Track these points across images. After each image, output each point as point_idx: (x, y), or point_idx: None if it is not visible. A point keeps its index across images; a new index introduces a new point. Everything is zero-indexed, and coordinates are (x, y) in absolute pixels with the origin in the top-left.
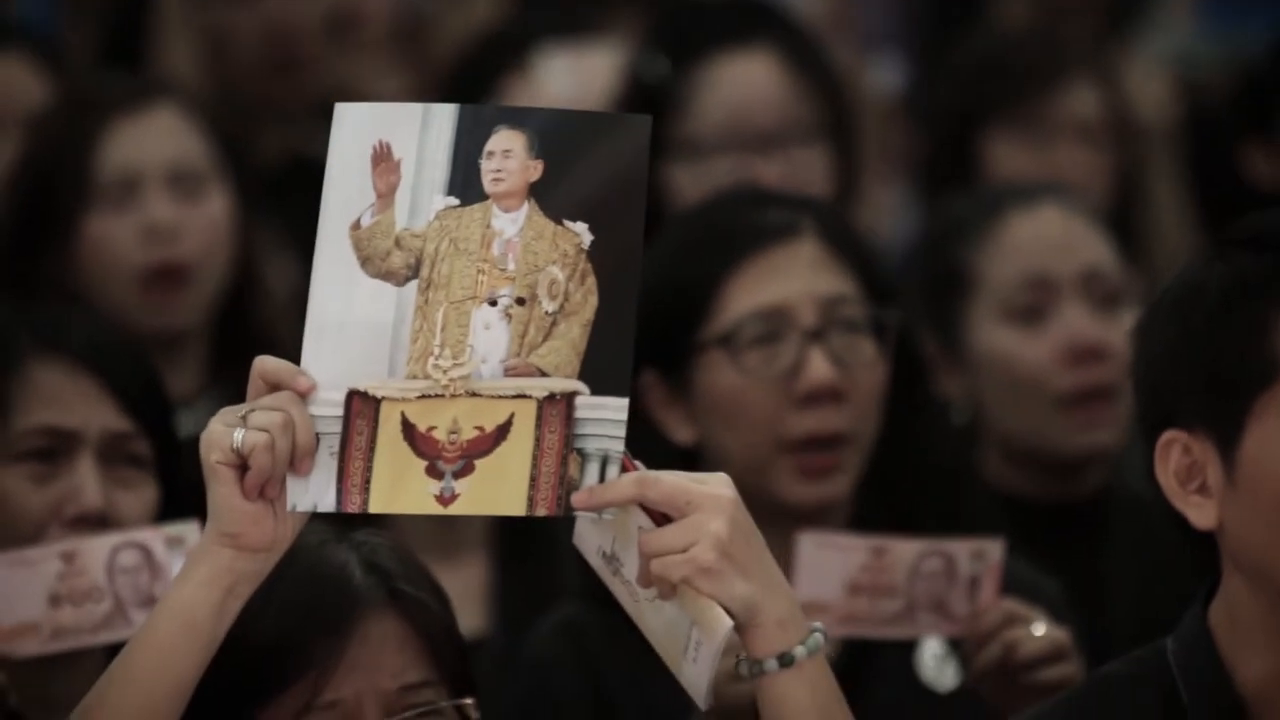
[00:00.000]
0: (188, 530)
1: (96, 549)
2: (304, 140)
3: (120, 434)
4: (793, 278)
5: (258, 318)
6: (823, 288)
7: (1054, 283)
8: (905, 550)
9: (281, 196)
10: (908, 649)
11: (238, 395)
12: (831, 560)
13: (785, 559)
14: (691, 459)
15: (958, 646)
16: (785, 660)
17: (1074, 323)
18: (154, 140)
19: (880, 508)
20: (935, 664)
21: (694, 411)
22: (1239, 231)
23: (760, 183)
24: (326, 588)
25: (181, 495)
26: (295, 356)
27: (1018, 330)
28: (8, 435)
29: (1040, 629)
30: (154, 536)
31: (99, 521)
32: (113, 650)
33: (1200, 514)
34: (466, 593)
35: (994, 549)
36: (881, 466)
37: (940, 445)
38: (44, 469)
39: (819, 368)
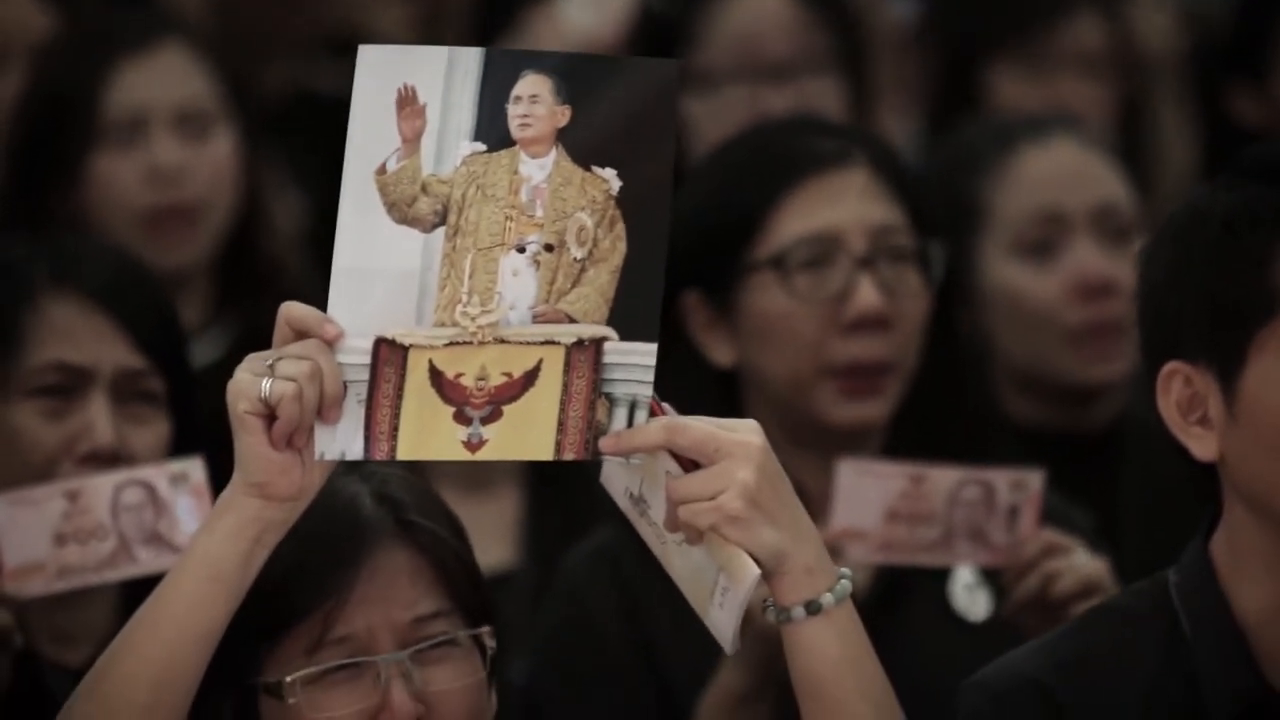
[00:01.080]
0: (191, 467)
1: (100, 487)
2: (310, 75)
3: (133, 371)
4: (845, 204)
5: (264, 254)
6: (874, 216)
7: (1065, 217)
8: (944, 478)
9: (287, 132)
10: (941, 578)
11: (243, 330)
12: (870, 487)
13: (823, 482)
14: (729, 381)
15: (990, 576)
16: (813, 608)
17: (1085, 259)
18: (161, 81)
19: (913, 438)
20: (967, 593)
21: (736, 333)
22: (1244, 161)
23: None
24: (337, 520)
25: (193, 430)
26: (301, 293)
27: (1028, 265)
28: (20, 370)
29: (1080, 560)
30: (158, 474)
31: (111, 459)
32: (124, 587)
33: (1201, 445)
34: (498, 525)
35: (1034, 479)
36: (918, 396)
37: (976, 378)
38: (56, 405)
39: (868, 294)
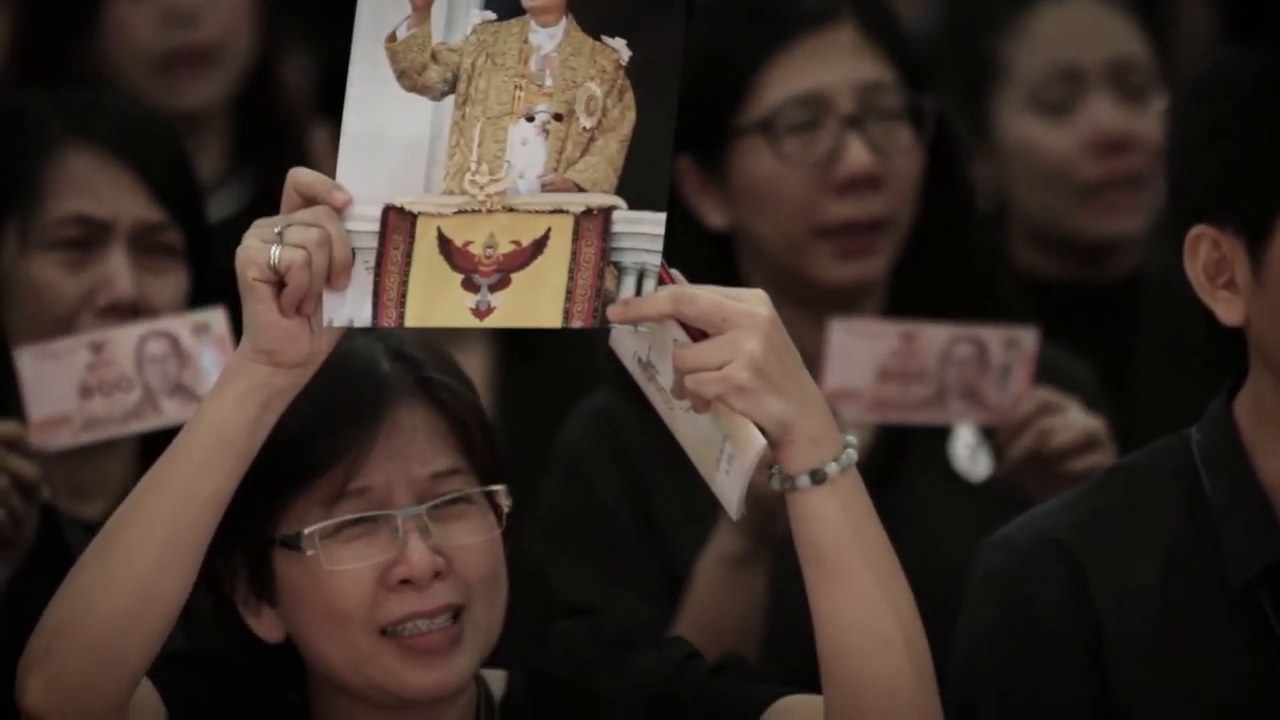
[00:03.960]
0: (213, 317)
1: (124, 339)
2: None
3: (152, 224)
4: (831, 64)
5: (280, 104)
6: (861, 74)
7: (1082, 73)
8: (936, 335)
9: None
10: (941, 439)
11: (260, 184)
12: (862, 347)
13: (819, 344)
14: (724, 243)
15: (990, 436)
16: (818, 477)
17: (1101, 114)
18: None
19: (913, 295)
20: (968, 453)
21: (728, 196)
22: (1275, 25)
23: None
24: (355, 377)
25: (211, 283)
26: (316, 156)
27: (1045, 120)
28: (39, 223)
29: (1074, 417)
30: (180, 324)
31: (130, 311)
32: (143, 442)
33: (1227, 309)
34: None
35: (1028, 337)
36: (915, 252)
37: (973, 231)
38: (75, 258)
39: (857, 154)
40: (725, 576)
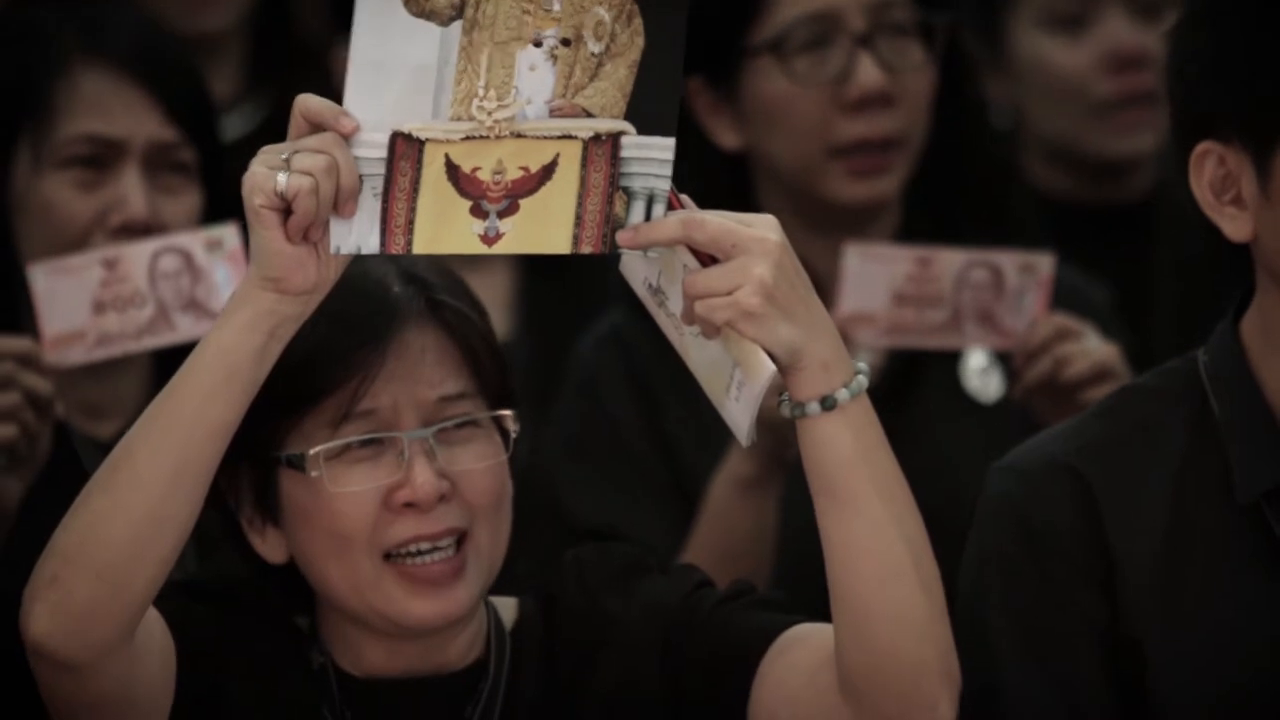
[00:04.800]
0: (226, 233)
1: (137, 254)
2: None
3: (165, 143)
4: None
5: (297, 21)
6: None
7: None
8: (951, 260)
9: None
10: (953, 361)
11: (275, 104)
12: (877, 271)
13: (836, 265)
14: (738, 164)
15: (1002, 358)
16: (828, 403)
17: (1116, 31)
18: None
19: (926, 215)
20: (979, 376)
21: (741, 117)
22: None
23: None
24: (366, 299)
25: (224, 202)
26: (334, 70)
27: (1060, 37)
28: (52, 142)
29: (1091, 344)
30: (193, 240)
31: (144, 230)
32: (155, 361)
33: (1234, 226)
34: (493, 300)
35: (1044, 262)
36: (929, 171)
37: (987, 150)
38: (89, 177)
39: (868, 73)
40: (737, 499)
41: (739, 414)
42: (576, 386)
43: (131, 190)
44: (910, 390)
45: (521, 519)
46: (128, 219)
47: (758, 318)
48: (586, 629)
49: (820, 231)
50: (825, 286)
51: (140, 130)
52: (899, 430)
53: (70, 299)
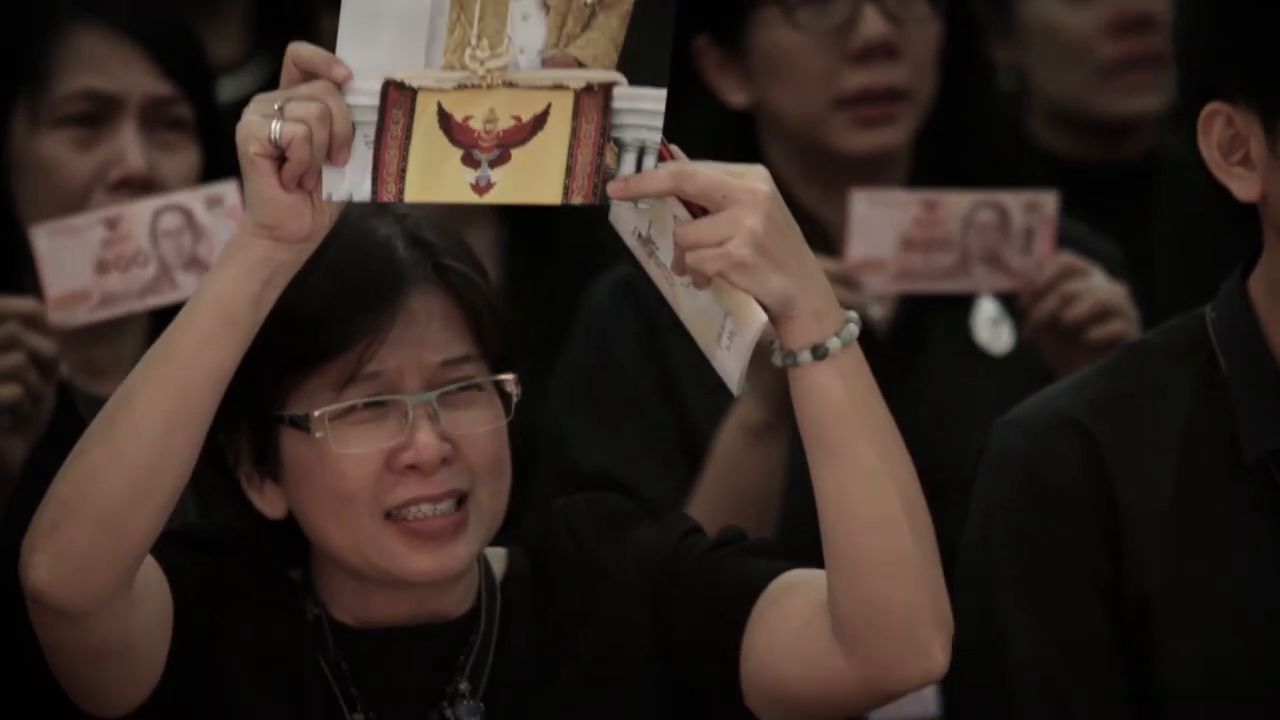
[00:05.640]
0: (226, 190)
1: (139, 213)
2: None
3: (162, 98)
4: None
5: None
6: None
7: None
8: (957, 202)
9: None
10: (962, 312)
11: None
12: (884, 217)
13: (843, 217)
14: (746, 122)
15: (1012, 310)
16: (819, 352)
17: None
18: None
19: (934, 170)
20: (990, 326)
21: (748, 73)
22: None
23: None
24: (371, 262)
25: (223, 156)
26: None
27: (1067, 1)
28: (49, 100)
29: (1098, 282)
30: (194, 198)
31: (143, 185)
32: (156, 321)
33: (1243, 186)
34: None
35: (1048, 200)
36: (936, 126)
37: (994, 106)
38: (86, 134)
39: (873, 22)
40: (744, 446)
41: (730, 364)
42: (586, 331)
43: (129, 145)
44: (920, 342)
45: (526, 470)
46: (126, 173)
47: (749, 268)
48: (576, 579)
49: (829, 186)
50: (835, 240)
51: (136, 85)
52: (909, 382)
53: (73, 259)
